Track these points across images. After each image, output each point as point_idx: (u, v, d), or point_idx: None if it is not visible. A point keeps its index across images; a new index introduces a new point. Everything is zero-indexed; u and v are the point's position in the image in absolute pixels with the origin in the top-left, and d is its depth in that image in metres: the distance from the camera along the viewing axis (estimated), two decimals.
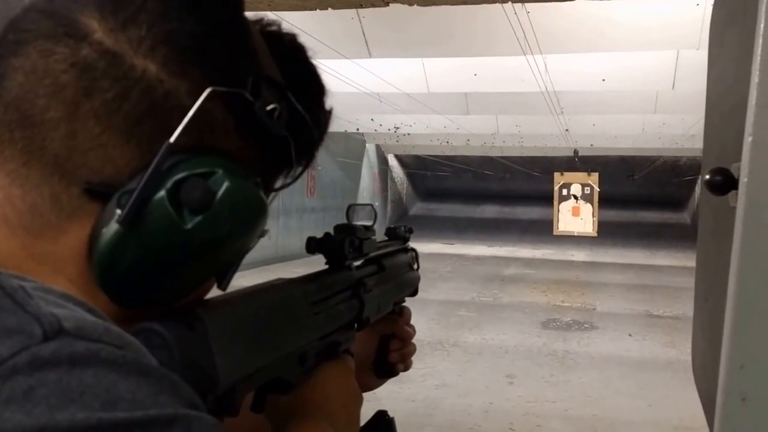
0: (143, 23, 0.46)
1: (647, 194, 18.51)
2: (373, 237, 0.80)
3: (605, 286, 10.40)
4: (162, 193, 0.45)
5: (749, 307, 0.60)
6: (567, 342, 6.71)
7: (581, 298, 9.37)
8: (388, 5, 4.65)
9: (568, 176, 15.51)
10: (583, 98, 9.18)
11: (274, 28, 0.57)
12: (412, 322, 0.99)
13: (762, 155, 0.59)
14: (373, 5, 4.78)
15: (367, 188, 17.07)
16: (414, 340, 0.98)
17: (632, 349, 6.47)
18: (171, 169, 0.45)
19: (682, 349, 6.09)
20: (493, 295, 9.37)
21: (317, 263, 0.71)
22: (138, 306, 0.47)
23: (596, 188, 15.22)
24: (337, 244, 0.74)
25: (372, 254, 0.82)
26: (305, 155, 0.57)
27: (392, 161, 19.31)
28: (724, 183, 0.65)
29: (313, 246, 0.73)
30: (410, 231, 0.98)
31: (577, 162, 15.28)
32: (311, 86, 0.58)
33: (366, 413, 0.77)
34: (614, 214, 17.53)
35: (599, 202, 15.28)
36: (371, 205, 0.96)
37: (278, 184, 0.57)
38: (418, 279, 1.01)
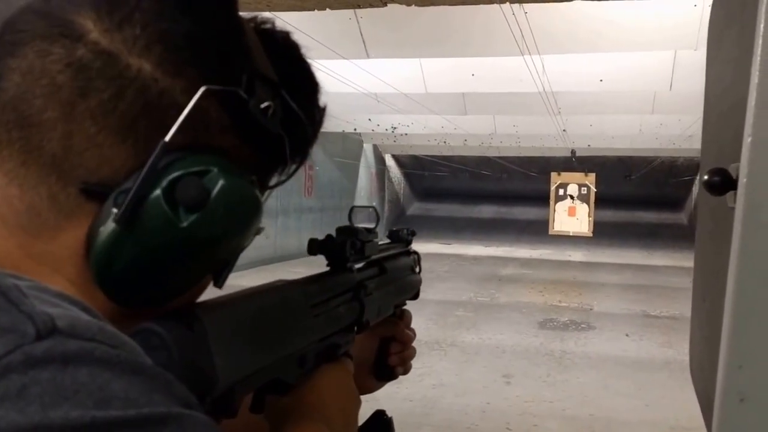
0: (138, 23, 0.46)
1: (644, 194, 18.52)
2: (375, 239, 0.80)
3: (602, 286, 10.41)
4: (158, 191, 0.45)
5: (748, 308, 0.60)
6: (564, 342, 6.72)
7: (578, 298, 9.38)
8: (386, 5, 4.65)
9: (565, 176, 15.54)
10: (581, 98, 9.18)
11: (267, 25, 0.57)
12: None
13: (761, 156, 0.59)
14: (371, 5, 4.78)
15: (364, 188, 17.06)
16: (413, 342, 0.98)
17: (629, 349, 6.48)
18: (166, 167, 0.45)
19: (679, 350, 6.10)
20: (491, 295, 9.38)
21: (315, 263, 0.71)
22: (135, 304, 0.48)
23: (593, 188, 15.24)
24: (339, 245, 0.74)
25: (373, 257, 0.82)
26: (300, 152, 0.57)
27: (389, 161, 19.28)
28: (723, 183, 0.65)
29: (314, 247, 0.73)
30: (413, 234, 0.98)
31: (574, 162, 15.28)
32: (305, 83, 0.58)
33: (364, 413, 0.77)
34: (612, 215, 17.54)
35: (596, 202, 15.31)
36: (374, 207, 0.96)
37: (273, 181, 0.57)
38: (419, 282, 1.00)
